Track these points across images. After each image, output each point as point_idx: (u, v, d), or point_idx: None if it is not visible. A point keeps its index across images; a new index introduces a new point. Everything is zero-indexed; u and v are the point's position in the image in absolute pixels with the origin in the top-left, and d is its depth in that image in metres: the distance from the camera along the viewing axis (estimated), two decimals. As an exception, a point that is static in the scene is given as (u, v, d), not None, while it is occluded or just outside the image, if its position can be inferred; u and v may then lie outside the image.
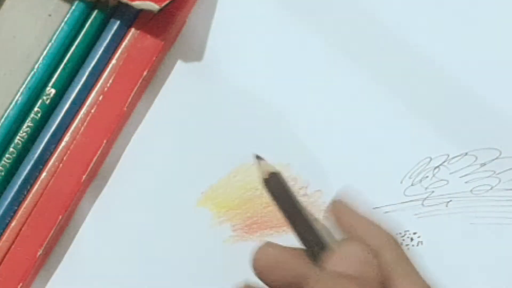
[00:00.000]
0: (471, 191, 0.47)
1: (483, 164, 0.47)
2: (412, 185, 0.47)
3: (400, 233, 0.48)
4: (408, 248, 0.48)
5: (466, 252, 0.48)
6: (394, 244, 0.34)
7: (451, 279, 0.48)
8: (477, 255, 0.48)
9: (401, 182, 0.47)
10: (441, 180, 0.47)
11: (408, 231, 0.48)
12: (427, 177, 0.47)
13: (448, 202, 0.47)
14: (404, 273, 0.33)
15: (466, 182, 0.47)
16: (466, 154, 0.47)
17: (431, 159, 0.47)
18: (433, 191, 0.47)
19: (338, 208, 0.34)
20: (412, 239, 0.48)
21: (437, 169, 0.47)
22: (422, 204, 0.47)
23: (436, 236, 0.48)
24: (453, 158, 0.47)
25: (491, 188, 0.47)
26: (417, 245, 0.48)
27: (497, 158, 0.47)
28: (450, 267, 0.48)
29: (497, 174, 0.47)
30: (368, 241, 0.33)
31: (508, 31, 0.47)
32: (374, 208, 0.47)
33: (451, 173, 0.47)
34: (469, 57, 0.47)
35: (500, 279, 0.48)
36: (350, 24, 0.47)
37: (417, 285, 0.33)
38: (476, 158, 0.47)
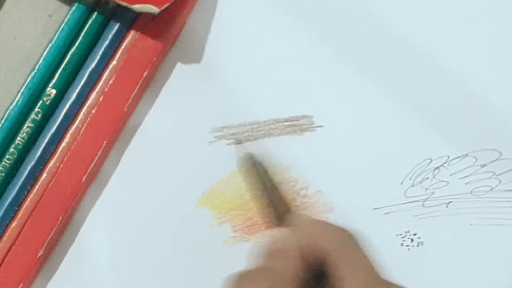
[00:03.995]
0: (471, 192, 0.47)
1: (483, 165, 0.47)
2: (412, 186, 0.47)
3: (400, 234, 0.48)
4: (408, 249, 0.48)
5: (466, 253, 0.48)
6: (344, 237, 0.36)
7: (451, 280, 0.48)
8: (477, 256, 0.48)
9: (402, 183, 0.47)
10: (441, 181, 0.47)
11: (408, 232, 0.48)
12: (427, 178, 0.47)
13: (449, 203, 0.48)
14: (349, 260, 0.35)
15: (466, 183, 0.47)
16: (466, 155, 0.47)
17: (431, 160, 0.47)
18: (433, 192, 0.47)
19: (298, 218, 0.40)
20: (412, 240, 0.48)
21: (437, 170, 0.47)
22: (423, 205, 0.48)
23: (436, 237, 0.48)
24: (453, 159, 0.47)
25: (491, 189, 0.47)
26: (418, 246, 0.48)
27: (497, 159, 0.47)
28: (450, 268, 0.48)
29: (498, 175, 0.47)
30: (318, 236, 0.36)
31: (509, 32, 0.47)
32: (374, 209, 0.48)
33: (451, 174, 0.47)
34: (470, 57, 0.47)
35: (500, 280, 0.48)
36: (351, 24, 0.47)
37: (361, 273, 0.35)
38: (476, 159, 0.47)
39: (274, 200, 0.42)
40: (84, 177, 0.46)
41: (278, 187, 0.43)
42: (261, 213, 0.43)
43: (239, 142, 0.47)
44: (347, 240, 0.37)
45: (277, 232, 0.39)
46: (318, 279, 0.37)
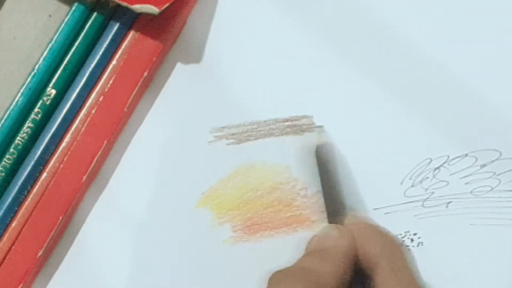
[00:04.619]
0: (471, 192, 0.47)
1: (484, 165, 0.47)
2: (412, 186, 0.47)
3: (400, 234, 0.48)
4: (408, 249, 0.48)
5: (466, 253, 0.48)
6: (395, 245, 0.36)
7: (451, 280, 0.48)
8: (477, 256, 0.48)
9: (401, 183, 0.47)
10: (441, 181, 0.47)
11: (408, 232, 0.48)
12: (427, 178, 0.47)
13: (449, 203, 0.48)
14: (390, 268, 0.35)
15: (466, 183, 0.47)
16: (466, 155, 0.47)
17: (431, 160, 0.47)
18: (433, 192, 0.47)
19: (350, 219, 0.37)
20: (412, 240, 0.48)
21: (437, 170, 0.47)
22: (423, 205, 0.48)
23: (436, 237, 0.48)
24: (453, 159, 0.47)
25: (492, 189, 0.47)
26: (418, 246, 0.48)
27: (497, 159, 0.47)
28: (450, 268, 0.48)
29: (498, 175, 0.47)
30: (369, 243, 0.35)
31: (509, 32, 0.47)
32: (374, 209, 0.48)
33: (451, 174, 0.47)
34: (470, 57, 0.47)
35: (500, 280, 0.48)
36: (351, 24, 0.47)
37: (403, 283, 0.35)
38: (476, 159, 0.47)
39: (332, 195, 0.42)
40: (84, 177, 0.46)
41: (338, 183, 0.42)
42: (316, 207, 0.42)
43: (321, 130, 0.46)
44: (397, 248, 0.36)
45: (334, 229, 0.37)
46: (355, 281, 0.36)
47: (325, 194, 0.42)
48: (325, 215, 0.42)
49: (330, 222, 0.41)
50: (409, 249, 0.48)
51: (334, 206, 0.42)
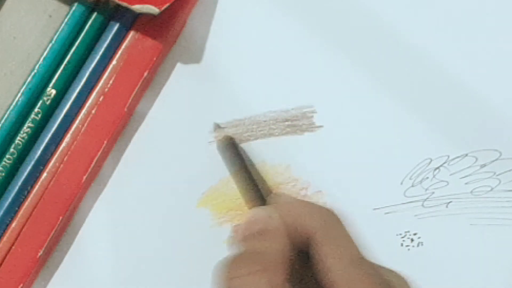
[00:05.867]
0: (471, 192, 0.47)
1: (483, 165, 0.47)
2: (412, 186, 0.47)
3: (400, 234, 0.48)
4: (408, 249, 0.48)
5: (466, 253, 0.48)
6: (328, 216, 0.36)
7: (451, 280, 0.48)
8: (477, 256, 0.48)
9: (401, 183, 0.47)
10: (441, 181, 0.47)
11: (408, 232, 0.48)
12: (427, 178, 0.47)
13: (449, 203, 0.48)
14: (332, 239, 0.34)
15: (466, 183, 0.47)
16: (466, 155, 0.47)
17: (431, 160, 0.47)
18: (433, 192, 0.47)
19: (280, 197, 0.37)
20: (412, 240, 0.48)
21: (437, 170, 0.47)
22: (423, 205, 0.48)
23: (436, 237, 0.48)
24: (453, 159, 0.47)
25: (491, 189, 0.47)
26: (418, 246, 0.48)
27: (497, 159, 0.47)
28: (450, 268, 0.48)
29: (498, 175, 0.47)
30: (302, 217, 0.35)
31: (509, 31, 0.47)
32: (374, 209, 0.48)
33: (451, 174, 0.47)
34: (470, 57, 0.47)
35: (500, 280, 0.48)
36: (351, 24, 0.47)
37: (345, 252, 0.34)
38: (476, 159, 0.47)
39: (255, 180, 0.42)
40: (84, 177, 0.46)
41: (257, 168, 0.42)
42: (243, 195, 0.42)
43: (218, 126, 0.47)
44: (331, 219, 0.36)
45: (260, 211, 0.37)
46: (301, 260, 0.36)
47: (250, 178, 0.42)
48: None
49: (259, 205, 0.41)
50: (408, 249, 0.48)
51: (257, 191, 0.42)
